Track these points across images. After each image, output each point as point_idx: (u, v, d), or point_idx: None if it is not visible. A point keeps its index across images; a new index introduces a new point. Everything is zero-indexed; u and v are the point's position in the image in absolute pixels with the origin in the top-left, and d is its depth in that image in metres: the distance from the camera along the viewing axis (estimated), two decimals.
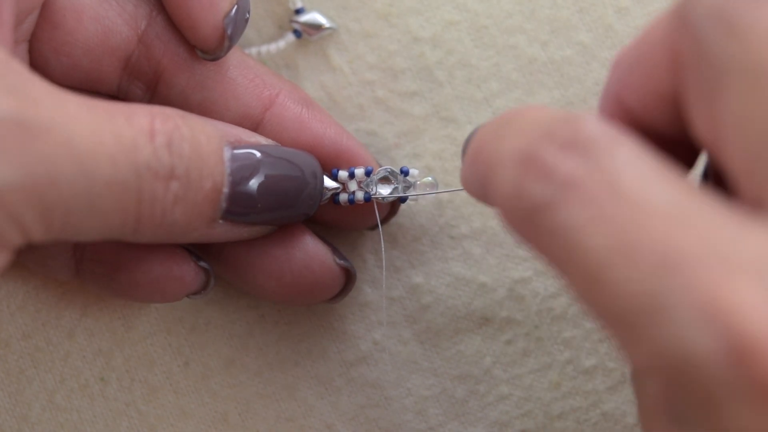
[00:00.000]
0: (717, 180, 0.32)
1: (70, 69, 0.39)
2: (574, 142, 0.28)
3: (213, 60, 0.39)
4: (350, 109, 0.45)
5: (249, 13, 0.39)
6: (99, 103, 0.33)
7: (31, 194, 0.31)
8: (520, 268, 0.44)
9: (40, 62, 0.39)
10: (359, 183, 0.41)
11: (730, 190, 0.29)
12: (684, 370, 0.25)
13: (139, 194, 0.33)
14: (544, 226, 0.28)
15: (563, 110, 0.30)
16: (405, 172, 0.41)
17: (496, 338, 0.44)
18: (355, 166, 0.41)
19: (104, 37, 0.39)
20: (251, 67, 0.41)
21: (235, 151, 0.37)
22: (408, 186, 0.41)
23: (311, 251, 0.40)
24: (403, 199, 0.41)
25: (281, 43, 0.44)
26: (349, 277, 0.41)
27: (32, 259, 0.41)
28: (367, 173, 0.41)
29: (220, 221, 0.37)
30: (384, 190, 0.41)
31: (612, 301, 0.26)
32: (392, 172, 0.41)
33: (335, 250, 0.41)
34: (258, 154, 0.37)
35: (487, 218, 0.44)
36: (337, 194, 0.41)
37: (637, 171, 0.27)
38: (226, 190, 0.36)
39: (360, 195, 0.41)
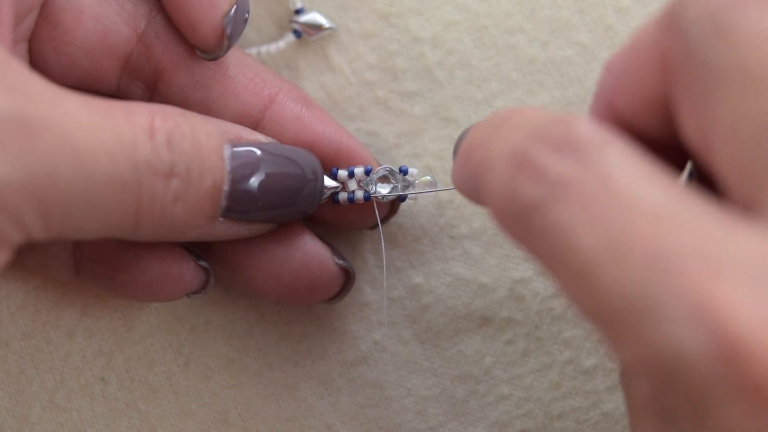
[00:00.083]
0: (703, 185, 0.32)
1: (69, 68, 0.39)
2: (567, 144, 0.28)
3: (212, 59, 0.39)
4: (350, 110, 0.45)
5: (248, 12, 0.39)
6: (98, 101, 0.33)
7: (30, 192, 0.31)
8: (520, 268, 0.44)
9: (39, 61, 0.39)
10: (359, 182, 0.41)
11: (719, 193, 0.29)
12: (674, 370, 0.25)
13: (138, 192, 0.33)
14: (536, 226, 0.28)
15: (555, 112, 0.30)
16: (404, 171, 0.41)
17: (496, 338, 0.44)
18: (355, 166, 0.41)
19: (104, 36, 0.39)
20: (251, 66, 0.41)
21: (236, 149, 0.37)
22: (407, 185, 0.41)
23: (310, 251, 0.40)
24: (402, 198, 0.41)
25: (281, 44, 0.44)
26: (348, 278, 0.41)
27: (32, 259, 0.41)
28: (367, 172, 0.41)
29: (221, 219, 0.37)
30: (383, 190, 0.41)
31: (603, 300, 0.26)
32: (391, 171, 0.41)
33: (334, 250, 0.41)
34: (258, 152, 0.37)
35: (487, 218, 0.44)
36: (337, 193, 0.41)
37: (629, 172, 0.27)
38: (226, 187, 0.36)
39: (360, 194, 0.41)
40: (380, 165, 0.41)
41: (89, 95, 0.34)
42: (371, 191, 0.41)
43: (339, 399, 0.44)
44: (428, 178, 0.42)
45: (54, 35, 0.38)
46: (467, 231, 0.44)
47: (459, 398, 0.43)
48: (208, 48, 0.39)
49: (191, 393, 0.44)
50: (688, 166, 0.34)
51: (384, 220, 0.42)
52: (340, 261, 0.41)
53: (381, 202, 0.41)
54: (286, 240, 0.40)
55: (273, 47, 0.44)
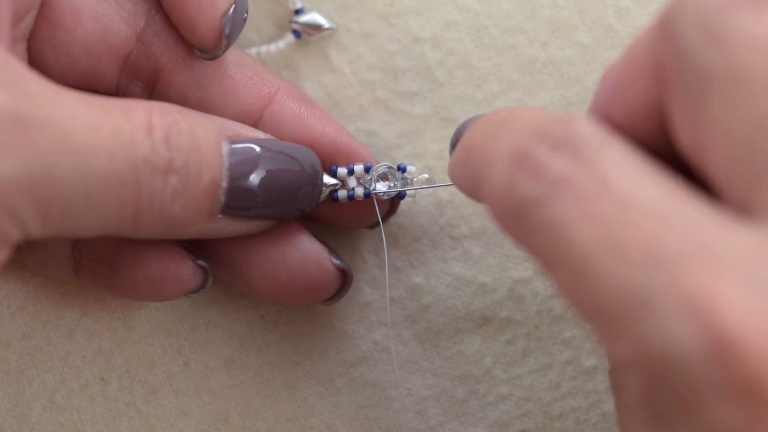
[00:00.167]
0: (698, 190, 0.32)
1: (68, 68, 0.39)
2: (566, 142, 0.29)
3: (211, 59, 0.40)
4: (350, 110, 0.45)
5: (247, 12, 0.40)
6: (96, 99, 0.34)
7: (28, 189, 0.31)
8: (520, 268, 0.44)
9: (38, 61, 0.39)
10: (358, 179, 0.41)
11: (713, 198, 0.29)
12: (665, 365, 0.25)
13: (137, 188, 0.34)
14: (533, 223, 0.28)
15: (555, 112, 0.31)
16: (402, 169, 0.41)
17: (496, 338, 0.44)
18: (354, 163, 0.41)
19: (103, 35, 0.39)
20: (250, 65, 0.41)
21: (234, 146, 0.37)
22: (406, 183, 0.41)
23: (308, 251, 0.40)
24: (401, 196, 0.41)
25: (281, 44, 0.44)
26: (345, 279, 0.41)
27: (32, 259, 0.41)
28: (366, 170, 0.41)
29: (220, 215, 0.37)
30: (383, 187, 0.41)
31: (597, 296, 0.27)
32: (390, 169, 0.41)
33: (332, 251, 0.41)
34: (257, 149, 0.37)
35: (487, 218, 0.44)
36: (336, 191, 0.41)
37: (626, 170, 0.28)
38: (224, 184, 0.36)
39: (359, 191, 0.41)
40: (379, 163, 0.41)
41: (88, 93, 0.34)
42: (371, 188, 0.41)
43: (339, 399, 0.43)
44: (426, 175, 0.42)
45: (53, 35, 0.38)
46: (467, 231, 0.44)
47: (459, 398, 0.43)
48: (206, 47, 0.39)
49: (191, 393, 0.44)
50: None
51: (383, 219, 0.42)
52: (338, 262, 0.41)
53: (381, 200, 0.41)
54: (284, 240, 0.40)
55: (273, 47, 0.44)
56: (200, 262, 0.40)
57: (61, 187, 0.32)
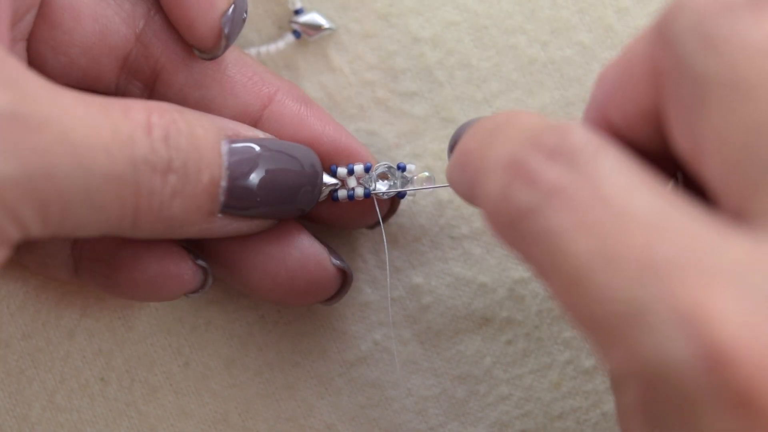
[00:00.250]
0: (694, 195, 0.32)
1: (67, 68, 0.39)
2: (561, 151, 0.29)
3: (210, 59, 0.40)
4: (350, 110, 0.45)
5: (246, 12, 0.39)
6: (95, 98, 0.34)
7: (28, 188, 0.31)
8: (520, 268, 0.44)
9: (38, 61, 0.39)
10: (358, 179, 0.41)
11: (710, 203, 0.29)
12: (661, 376, 0.25)
13: (136, 188, 0.34)
14: (529, 232, 0.28)
15: (550, 118, 0.31)
16: (402, 168, 0.41)
17: (496, 338, 0.44)
18: (354, 163, 0.41)
19: (102, 36, 0.39)
20: (249, 65, 0.41)
21: (233, 145, 0.37)
22: (406, 182, 0.41)
23: (307, 251, 0.40)
24: (401, 195, 0.41)
25: (281, 44, 0.44)
26: (345, 279, 0.41)
27: (31, 259, 0.41)
28: (366, 169, 0.41)
29: (219, 215, 0.37)
30: (383, 187, 0.41)
31: (592, 306, 0.27)
32: (390, 168, 0.41)
33: (332, 251, 0.41)
34: (257, 148, 0.37)
35: None
36: (336, 191, 0.41)
37: (621, 179, 0.28)
38: (223, 183, 0.36)
39: (359, 191, 0.41)
40: (379, 163, 0.41)
41: (87, 93, 0.34)
42: (371, 188, 0.41)
43: (339, 399, 0.43)
44: (426, 174, 0.42)
45: (52, 35, 0.38)
46: (467, 231, 0.44)
47: (459, 398, 0.43)
48: (206, 47, 0.39)
49: (191, 393, 0.44)
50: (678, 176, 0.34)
51: (384, 219, 0.42)
52: (338, 262, 0.41)
53: (381, 199, 0.41)
54: (283, 240, 0.40)
55: (272, 47, 0.44)
56: (200, 262, 0.40)
57: (60, 187, 0.32)
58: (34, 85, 0.32)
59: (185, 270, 0.40)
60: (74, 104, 0.33)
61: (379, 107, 0.45)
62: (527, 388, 0.43)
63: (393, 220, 0.44)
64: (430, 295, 0.44)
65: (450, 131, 0.44)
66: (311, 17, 0.44)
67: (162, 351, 0.44)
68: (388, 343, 0.44)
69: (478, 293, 0.44)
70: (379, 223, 0.42)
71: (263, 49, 0.44)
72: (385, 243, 0.43)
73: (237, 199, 0.37)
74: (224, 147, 0.36)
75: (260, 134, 0.38)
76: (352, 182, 0.41)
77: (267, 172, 0.37)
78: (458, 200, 0.44)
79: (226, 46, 0.39)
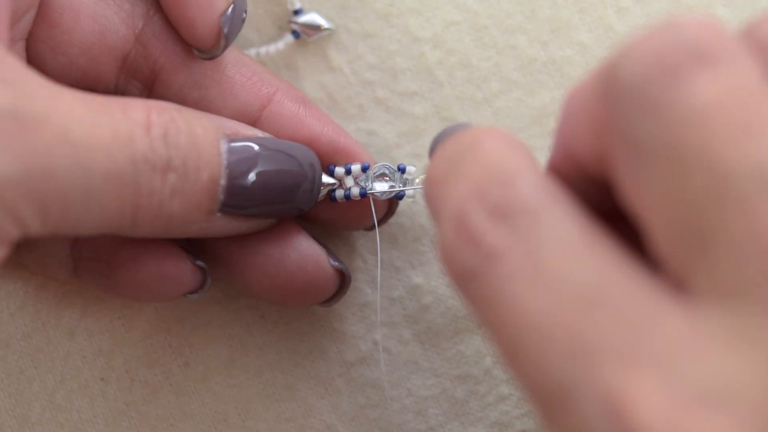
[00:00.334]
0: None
1: (67, 68, 0.39)
2: (502, 209, 0.28)
3: (209, 59, 0.40)
4: (350, 109, 0.45)
5: (245, 12, 0.40)
6: (95, 97, 0.34)
7: (27, 187, 0.31)
8: None
9: (37, 61, 0.39)
10: (356, 179, 0.41)
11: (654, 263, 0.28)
12: None
13: (136, 186, 0.34)
14: (472, 294, 0.28)
15: (512, 154, 0.30)
16: (402, 169, 0.41)
17: None
18: (352, 163, 0.41)
19: (101, 36, 0.39)
20: (248, 65, 0.41)
21: (232, 144, 0.37)
22: (406, 183, 0.41)
23: (306, 251, 0.40)
24: (400, 196, 0.41)
25: (280, 44, 0.45)
26: (343, 280, 0.41)
27: (31, 259, 0.41)
28: (364, 169, 0.41)
29: (218, 214, 0.37)
30: (381, 187, 0.41)
31: (526, 379, 0.27)
32: (389, 169, 0.41)
33: (330, 252, 0.41)
34: (256, 147, 0.37)
35: None
36: (334, 190, 0.41)
37: (562, 246, 0.27)
38: (223, 182, 0.36)
39: (356, 191, 0.41)
40: (378, 163, 0.41)
41: (86, 92, 0.34)
42: (368, 188, 0.41)
43: (339, 399, 0.43)
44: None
45: (52, 34, 0.38)
46: None
47: (459, 398, 0.43)
48: (205, 47, 0.39)
49: (191, 393, 0.44)
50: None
51: (382, 220, 0.42)
52: (336, 263, 0.41)
53: (378, 199, 0.41)
54: (282, 240, 0.40)
55: (272, 48, 0.44)
56: (199, 262, 0.40)
57: (59, 185, 0.32)
58: (34, 84, 0.32)
59: (184, 270, 0.40)
60: (74, 103, 0.33)
61: (379, 107, 0.45)
62: None
63: (393, 220, 0.44)
64: (430, 295, 0.44)
65: None
66: (311, 17, 0.44)
67: (162, 351, 0.44)
68: (387, 343, 0.44)
69: None
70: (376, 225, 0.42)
71: (263, 49, 0.44)
72: (378, 244, 0.43)
73: (236, 197, 0.37)
74: (223, 146, 0.36)
75: (259, 133, 0.38)
76: (349, 182, 0.41)
77: (266, 171, 0.37)
78: None
79: (226, 46, 0.39)
